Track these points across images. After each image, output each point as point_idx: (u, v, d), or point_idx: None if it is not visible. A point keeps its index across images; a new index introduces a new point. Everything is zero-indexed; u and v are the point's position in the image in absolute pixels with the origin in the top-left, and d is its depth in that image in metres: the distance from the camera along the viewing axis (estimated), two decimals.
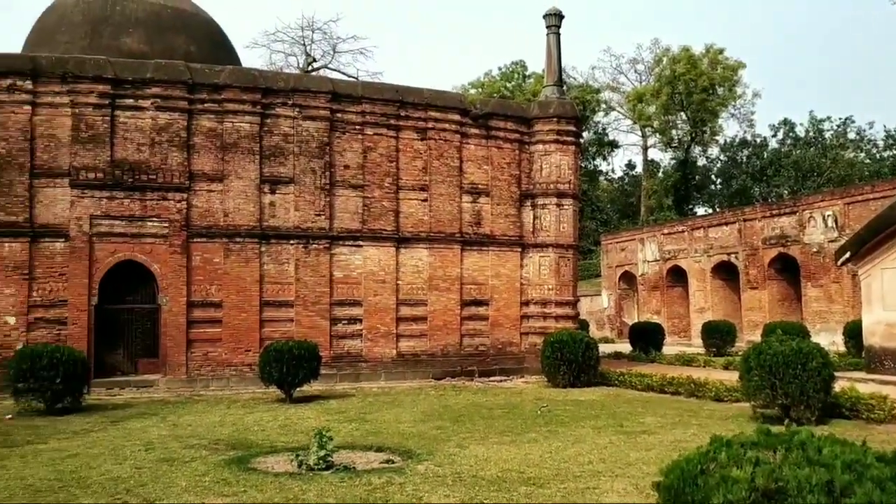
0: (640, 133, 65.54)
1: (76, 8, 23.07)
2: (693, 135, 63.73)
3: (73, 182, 19.35)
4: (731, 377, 17.29)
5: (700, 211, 64.44)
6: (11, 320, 18.79)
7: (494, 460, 10.71)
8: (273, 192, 21.06)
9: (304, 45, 46.84)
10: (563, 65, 25.36)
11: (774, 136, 66.59)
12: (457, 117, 23.12)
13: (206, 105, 20.60)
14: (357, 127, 21.98)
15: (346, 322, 21.57)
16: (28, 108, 19.23)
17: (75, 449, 11.80)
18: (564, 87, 26.29)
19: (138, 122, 20.03)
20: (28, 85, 19.23)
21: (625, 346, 32.21)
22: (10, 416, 15.59)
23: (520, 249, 23.77)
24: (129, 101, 19.99)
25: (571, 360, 19.89)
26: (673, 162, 66.95)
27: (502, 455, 11.08)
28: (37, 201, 19.20)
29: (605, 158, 70.43)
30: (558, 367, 20.05)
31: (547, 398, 17.64)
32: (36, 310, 19.00)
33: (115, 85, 19.76)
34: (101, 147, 19.60)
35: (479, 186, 23.39)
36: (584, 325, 32.08)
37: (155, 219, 19.94)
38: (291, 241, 21.07)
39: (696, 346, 34.55)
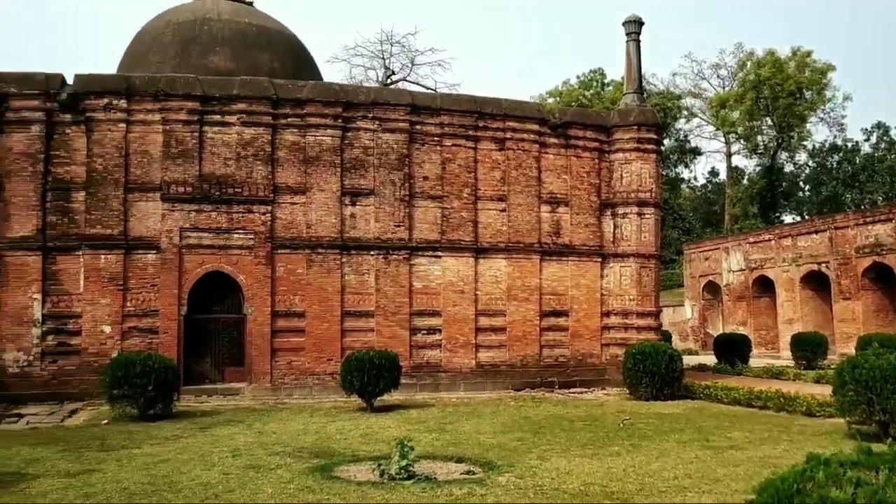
0: (723, 139, 63.91)
1: (167, 29, 24.02)
2: (779, 140, 61.74)
3: (164, 196, 20.09)
4: (824, 391, 16.65)
5: (787, 219, 62.29)
6: (107, 329, 19.61)
7: (576, 473, 10.57)
8: (354, 203, 21.39)
9: (383, 58, 47.50)
10: (642, 72, 24.97)
11: (867, 140, 63.90)
12: (535, 127, 23.03)
13: (289, 119, 21.11)
14: (436, 138, 22.14)
15: (425, 332, 21.69)
16: (123, 125, 20.09)
17: (167, 454, 12.20)
18: (644, 95, 25.87)
19: (225, 138, 20.68)
20: (123, 104, 20.09)
21: (709, 359, 31.38)
22: (106, 421, 16.26)
23: (600, 259, 23.46)
24: (217, 117, 20.65)
25: (654, 373, 19.49)
26: (758, 168, 64.98)
27: (584, 468, 10.92)
28: (130, 215, 20.01)
29: (686, 166, 68.93)
30: (640, 379, 19.67)
31: (629, 411, 17.33)
32: (129, 319, 19.77)
33: (204, 102, 20.46)
34: (190, 162, 20.30)
35: (558, 196, 23.21)
36: (666, 337, 31.38)
37: (241, 231, 20.51)
38: (372, 252, 21.34)
39: (784, 358, 33.35)
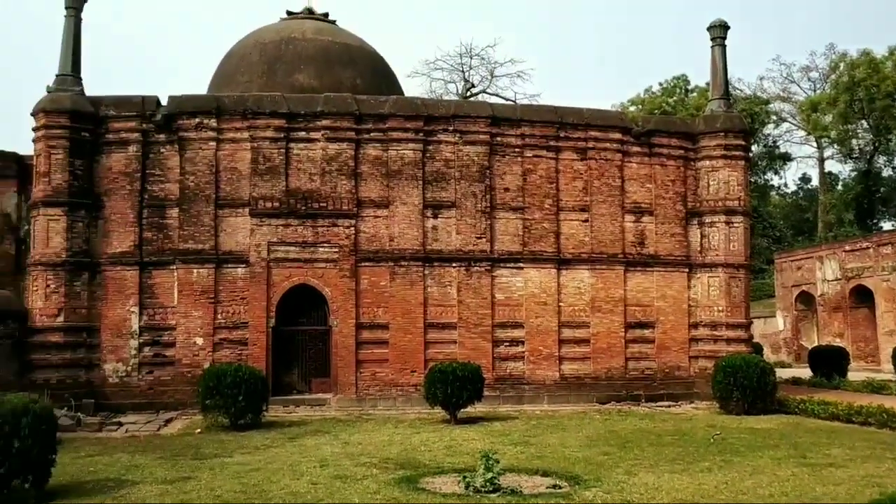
0: (815, 144, 61.60)
1: (254, 49, 24.79)
2: (876, 144, 59.10)
3: (253, 211, 20.68)
4: None
5: (886, 226, 59.45)
6: (200, 341, 20.28)
7: (666, 489, 10.32)
8: (435, 216, 21.53)
9: (462, 71, 47.86)
10: (728, 76, 24.29)
11: None
12: (618, 136, 22.72)
13: (371, 134, 21.45)
14: (516, 149, 22.10)
15: (508, 344, 21.61)
16: (213, 143, 20.82)
17: (257, 463, 12.50)
18: (731, 100, 25.15)
19: (310, 153, 21.16)
20: (213, 123, 20.83)
21: (803, 372, 30.19)
22: (199, 430, 16.80)
23: (686, 270, 22.90)
24: (302, 134, 21.16)
25: (745, 386, 18.87)
26: (854, 174, 62.29)
27: (674, 484, 10.66)
28: (221, 230, 20.68)
29: (776, 172, 66.71)
30: (731, 392, 19.08)
31: (720, 425, 16.82)
32: (221, 331, 20.40)
33: (289, 119, 21.00)
34: (277, 178, 20.85)
35: (642, 205, 22.80)
36: (757, 349, 30.35)
37: (326, 244, 20.91)
38: (454, 264, 21.42)
39: (886, 372, 31.77)
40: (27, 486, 9.84)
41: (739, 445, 14.13)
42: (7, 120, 74.76)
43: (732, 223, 22.66)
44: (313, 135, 21.16)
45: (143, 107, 20.76)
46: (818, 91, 60.90)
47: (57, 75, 20.79)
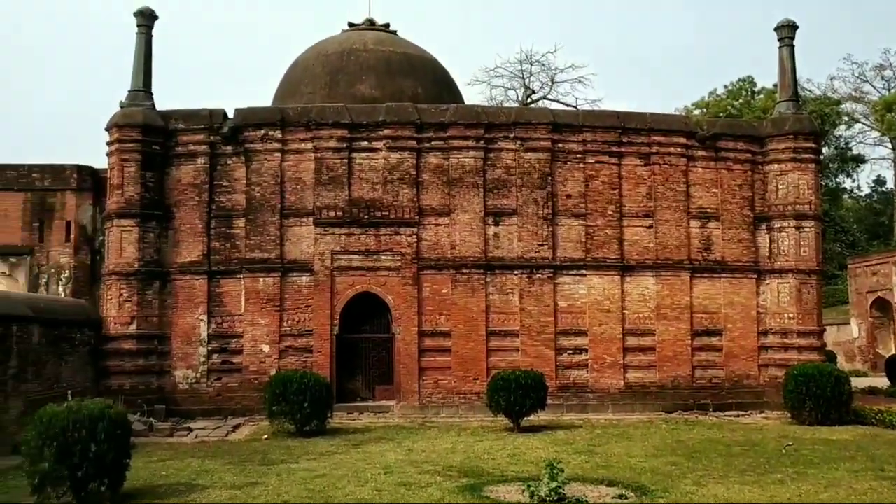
0: (889, 145, 59.39)
1: (316, 61, 25.21)
2: None
3: (317, 220, 21.00)
4: None
5: None
6: (266, 348, 20.66)
7: (736, 501, 10.08)
8: (497, 223, 21.50)
9: (522, 78, 47.70)
10: (797, 77, 23.66)
11: None
12: (682, 140, 22.34)
13: (432, 143, 21.56)
14: (578, 155, 21.93)
15: (571, 352, 21.40)
16: (278, 155, 21.23)
17: (322, 469, 12.65)
18: (800, 101, 24.47)
19: (372, 163, 21.38)
20: (278, 134, 21.25)
21: (880, 381, 29.11)
22: (266, 436, 17.09)
23: (755, 276, 22.33)
24: (364, 144, 21.41)
25: (819, 396, 18.29)
26: None
27: (745, 496, 10.39)
28: (286, 239, 21.05)
29: (849, 175, 64.51)
30: (803, 402, 18.52)
31: (792, 436, 16.34)
32: (286, 338, 20.74)
33: (352, 129, 21.27)
34: (339, 187, 21.14)
35: (708, 210, 22.35)
36: (830, 357, 29.38)
37: (388, 253, 21.09)
38: (515, 272, 21.34)
39: None
40: (103, 489, 10.17)
41: (813, 457, 13.70)
42: (84, 135, 77.73)
43: (803, 228, 22.03)
44: (375, 144, 21.39)
45: (210, 120, 21.31)
46: (892, 90, 58.73)
47: (129, 91, 21.52)
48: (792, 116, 22.60)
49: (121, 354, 20.09)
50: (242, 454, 14.50)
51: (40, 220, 22.38)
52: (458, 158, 21.49)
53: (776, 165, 22.38)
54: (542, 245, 21.48)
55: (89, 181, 22.58)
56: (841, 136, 60.97)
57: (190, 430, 18.20)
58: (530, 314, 21.23)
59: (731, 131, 23.05)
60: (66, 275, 22.22)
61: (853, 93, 60.44)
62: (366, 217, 21.09)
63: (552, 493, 10.00)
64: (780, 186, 22.28)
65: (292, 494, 10.70)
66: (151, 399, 19.85)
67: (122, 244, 20.45)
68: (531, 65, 47.26)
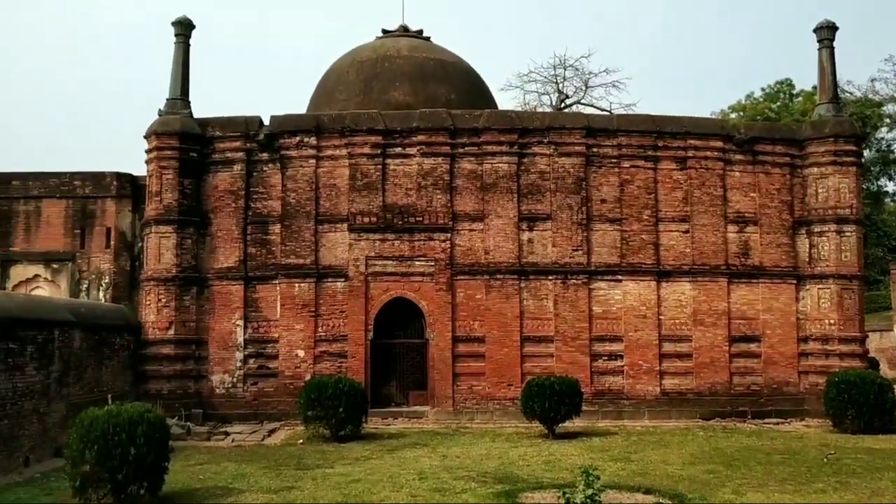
0: None
1: (351, 68, 25.38)
2: None
3: (351, 226, 21.12)
4: None
5: None
6: (301, 353, 20.81)
7: None
8: (531, 228, 21.44)
9: (556, 83, 47.47)
10: (837, 79, 23.25)
11: None
12: (719, 144, 22.07)
13: (466, 148, 21.57)
14: (613, 160, 21.78)
15: (606, 358, 21.24)
16: (313, 161, 21.41)
17: (357, 474, 12.69)
18: (840, 104, 24.04)
19: (406, 169, 21.45)
20: (313, 141, 21.42)
21: None
22: (301, 440, 17.20)
23: (794, 281, 21.97)
24: (398, 150, 21.49)
25: (861, 403, 17.93)
26: None
27: None
28: (321, 245, 21.20)
29: (891, 178, 63.18)
30: (845, 410, 18.16)
31: (833, 445, 16.03)
32: (321, 344, 20.87)
33: (386, 135, 21.37)
34: (374, 193, 21.24)
35: (746, 215, 22.05)
36: (873, 364, 28.71)
37: (422, 258, 21.12)
38: (550, 277, 21.24)
39: None
40: (142, 491, 10.32)
41: (856, 466, 13.41)
42: (124, 142, 79.16)
43: (844, 232, 21.62)
44: (409, 150, 21.46)
45: (246, 127, 21.56)
46: None
47: (167, 99, 21.86)
48: (832, 119, 22.23)
49: (159, 359, 20.38)
50: (278, 458, 14.60)
51: (81, 227, 22.82)
52: (491, 164, 21.47)
53: (816, 169, 22.01)
54: (576, 250, 21.36)
55: (129, 188, 22.97)
56: (883, 138, 59.72)
57: (227, 434, 18.39)
58: (565, 320, 21.11)
59: (769, 134, 22.72)
60: (106, 280, 22.62)
61: (895, 94, 59.23)
62: (400, 223, 21.16)
63: (588, 500, 9.89)
64: (821, 190, 21.91)
65: (328, 499, 10.75)
66: (189, 403, 20.10)
67: (161, 250, 20.75)
68: (565, 69, 47.02)
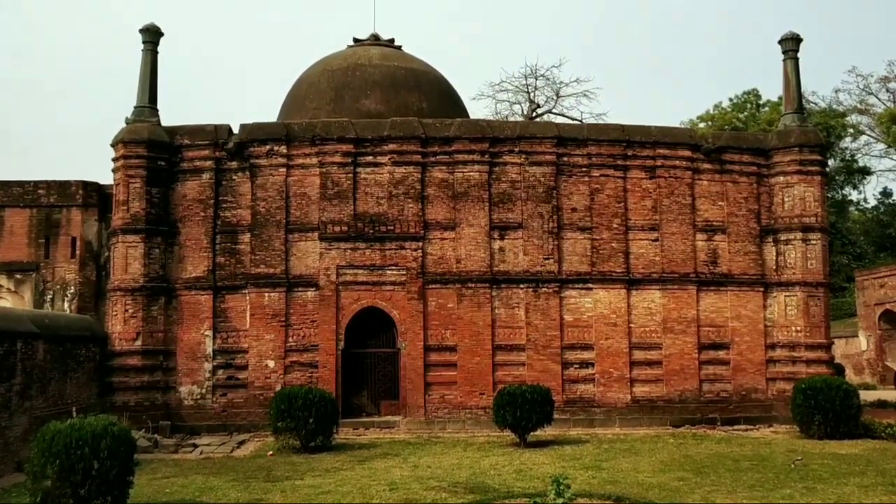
0: (895, 157, 59.23)
1: (322, 76, 25.28)
2: None
3: (322, 235, 20.99)
4: None
5: None
6: (271, 364, 20.60)
7: None
8: (502, 237, 21.47)
9: (527, 92, 47.71)
10: (802, 90, 23.63)
11: None
12: (687, 153, 22.30)
13: (437, 157, 21.57)
14: (583, 169, 21.91)
15: (577, 366, 21.30)
16: (283, 170, 21.27)
17: (327, 486, 12.56)
18: (805, 114, 24.43)
19: (377, 178, 21.40)
20: (283, 149, 21.28)
21: (889, 394, 28.85)
22: (271, 452, 17.01)
23: (762, 289, 22.22)
24: (369, 158, 21.43)
25: (827, 409, 18.14)
26: None
27: None
28: (291, 254, 21.05)
29: (855, 187, 64.24)
30: (812, 416, 18.36)
31: (800, 450, 16.19)
32: (291, 354, 20.69)
33: (357, 144, 21.30)
34: (345, 202, 21.15)
35: (714, 223, 22.28)
36: (839, 370, 29.13)
37: (393, 267, 21.06)
38: (521, 286, 21.28)
39: None
40: None
41: (823, 472, 13.55)
42: (90, 150, 78.13)
43: (809, 240, 21.93)
44: (380, 159, 21.41)
45: (215, 135, 21.37)
46: None
47: (135, 107, 21.61)
48: (797, 129, 22.56)
49: (126, 370, 20.07)
50: (247, 470, 14.42)
51: (46, 237, 22.48)
52: (463, 172, 21.49)
53: (782, 178, 22.32)
54: (547, 259, 21.42)
55: (95, 197, 22.68)
56: (847, 148, 60.82)
57: (195, 446, 18.14)
58: (536, 328, 21.15)
59: (737, 144, 22.99)
60: (71, 291, 22.27)
61: (858, 105, 60.30)
62: (371, 232, 21.08)
63: None
64: (787, 199, 22.21)
65: None
66: (156, 415, 19.80)
67: (128, 260, 20.47)
68: (536, 79, 47.30)
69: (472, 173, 21.50)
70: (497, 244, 21.43)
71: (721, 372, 21.86)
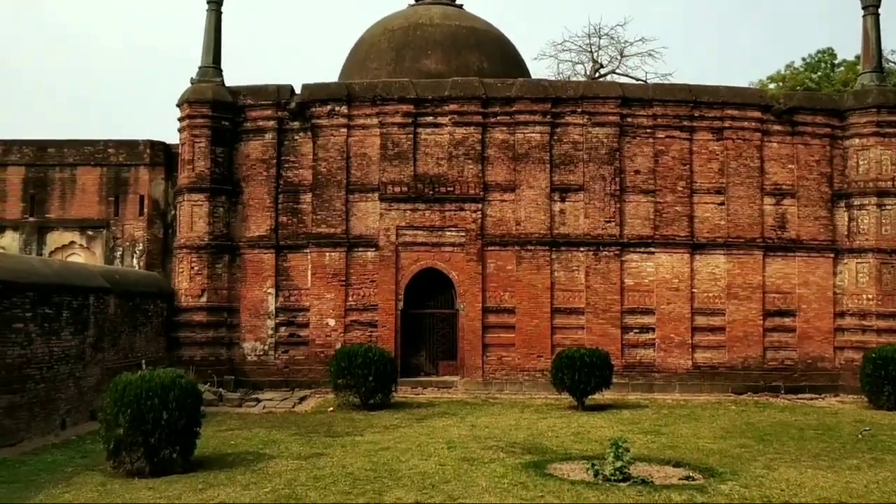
0: None
1: (383, 36, 25.17)
2: None
3: (382, 196, 21.07)
4: None
5: None
6: (332, 322, 20.91)
7: (809, 486, 9.76)
8: (563, 199, 21.22)
9: (590, 52, 46.67)
10: (882, 48, 22.56)
11: None
12: (757, 114, 21.59)
13: (498, 118, 21.35)
14: (647, 130, 21.43)
15: (637, 331, 21.06)
16: (344, 130, 21.34)
17: (386, 443, 12.76)
18: (885, 73, 23.34)
19: (437, 138, 21.30)
20: (344, 109, 21.33)
21: None
22: (331, 408, 17.34)
23: (832, 255, 21.54)
24: (429, 119, 21.33)
25: None
26: None
27: (818, 481, 10.06)
28: (351, 215, 21.20)
29: None
30: (882, 386, 17.82)
31: (868, 421, 15.76)
32: (351, 313, 20.95)
33: (417, 104, 21.20)
34: (404, 163, 21.14)
35: (783, 187, 21.61)
36: None
37: (452, 228, 21.04)
38: (581, 249, 21.06)
39: None
40: (174, 455, 10.44)
41: (891, 443, 13.18)
42: (157, 111, 79.63)
43: (885, 205, 21.10)
44: (440, 119, 21.29)
45: (278, 95, 21.52)
46: None
47: (200, 67, 21.89)
48: (875, 89, 21.60)
49: (192, 326, 20.62)
50: (308, 426, 14.73)
51: (115, 195, 23.08)
52: (524, 133, 21.24)
53: (857, 140, 21.46)
54: (609, 222, 21.12)
55: (161, 156, 23.13)
56: None
57: (258, 401, 18.60)
58: (596, 292, 20.94)
59: (810, 104, 22.15)
60: (139, 248, 22.89)
61: None
62: (430, 192, 21.06)
63: (617, 473, 9.87)
64: (861, 162, 21.37)
65: (357, 466, 10.82)
66: (221, 370, 20.35)
67: (193, 218, 20.91)
68: (599, 38, 46.17)
69: (533, 134, 21.23)
70: (557, 206, 21.20)
71: (786, 339, 21.36)
